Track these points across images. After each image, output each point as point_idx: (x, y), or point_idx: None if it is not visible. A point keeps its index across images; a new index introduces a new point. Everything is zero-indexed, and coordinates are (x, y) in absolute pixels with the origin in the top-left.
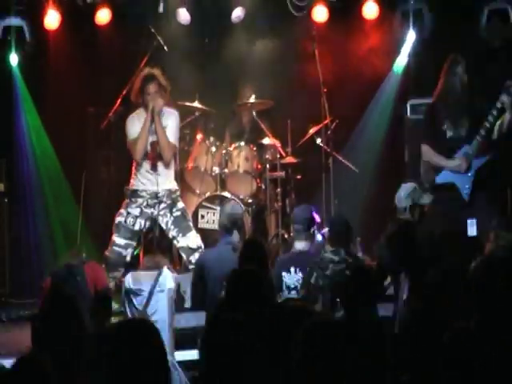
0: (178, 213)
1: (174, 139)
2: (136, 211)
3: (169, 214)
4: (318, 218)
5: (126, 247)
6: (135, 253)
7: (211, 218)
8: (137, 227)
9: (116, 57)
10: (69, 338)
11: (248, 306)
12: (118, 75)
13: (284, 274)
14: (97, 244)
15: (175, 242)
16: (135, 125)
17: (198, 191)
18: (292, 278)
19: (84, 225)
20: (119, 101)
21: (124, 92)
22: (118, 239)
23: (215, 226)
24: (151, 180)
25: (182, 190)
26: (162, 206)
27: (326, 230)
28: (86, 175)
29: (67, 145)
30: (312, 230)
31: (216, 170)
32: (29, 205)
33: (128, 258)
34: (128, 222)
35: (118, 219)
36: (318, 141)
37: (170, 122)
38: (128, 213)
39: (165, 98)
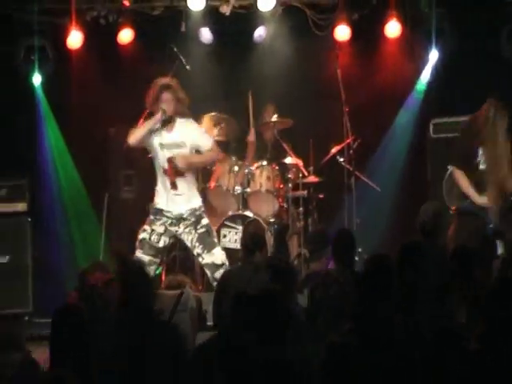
0: (203, 229)
1: (211, 140)
2: (160, 229)
3: (193, 231)
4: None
5: (149, 264)
6: (157, 272)
7: (233, 238)
8: (161, 244)
9: (138, 76)
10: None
11: (262, 330)
12: (140, 95)
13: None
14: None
15: (200, 259)
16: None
17: (220, 210)
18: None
19: (106, 244)
20: (141, 120)
21: (146, 112)
22: (141, 256)
23: (237, 246)
24: (174, 201)
25: (205, 208)
26: (187, 223)
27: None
28: (108, 194)
29: (90, 164)
30: (324, 250)
31: (238, 189)
32: (51, 224)
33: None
34: (152, 239)
35: (143, 235)
36: (341, 160)
37: (192, 128)
38: (152, 230)
39: (180, 109)
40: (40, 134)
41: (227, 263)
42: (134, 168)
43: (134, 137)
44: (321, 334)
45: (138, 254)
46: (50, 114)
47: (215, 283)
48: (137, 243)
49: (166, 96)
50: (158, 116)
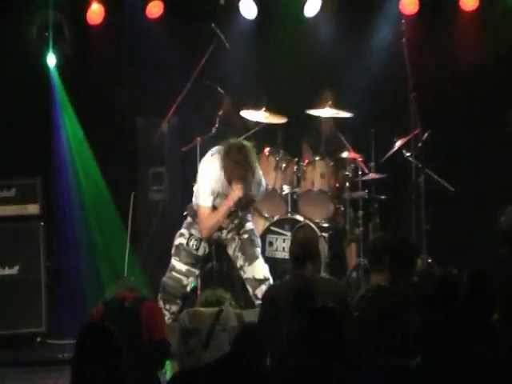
0: (246, 235)
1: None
2: (200, 233)
3: (236, 238)
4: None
5: (187, 275)
6: (192, 285)
7: (280, 245)
8: (201, 252)
9: (170, 56)
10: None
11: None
12: (172, 78)
13: None
14: (148, 277)
15: (241, 272)
16: (212, 179)
17: (265, 214)
18: None
19: (133, 253)
20: (174, 108)
21: (179, 98)
22: (178, 264)
23: (285, 255)
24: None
25: None
26: (230, 226)
27: None
28: (135, 195)
29: (113, 160)
30: (386, 260)
31: (286, 189)
32: (69, 229)
33: (188, 289)
34: (191, 244)
35: (179, 240)
36: (407, 154)
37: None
38: (191, 234)
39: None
40: (55, 125)
41: (271, 278)
42: (164, 164)
43: (210, 230)
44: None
45: (174, 261)
46: (67, 100)
47: (258, 301)
48: (173, 249)
49: (240, 185)
50: (231, 205)
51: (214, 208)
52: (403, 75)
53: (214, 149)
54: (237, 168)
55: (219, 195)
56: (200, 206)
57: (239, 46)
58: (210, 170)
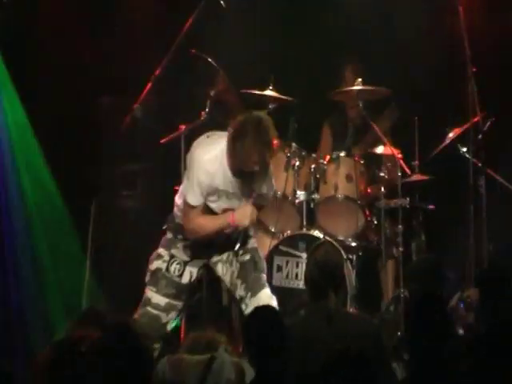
0: (247, 257)
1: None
2: (185, 254)
3: (234, 260)
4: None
5: (167, 310)
6: (173, 325)
7: (293, 271)
8: (185, 279)
9: (143, 19)
10: None
11: None
12: (147, 47)
13: None
14: (115, 309)
15: (243, 306)
16: (209, 172)
17: (272, 228)
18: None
19: (94, 278)
20: (149, 86)
21: (157, 72)
22: (155, 296)
23: (300, 284)
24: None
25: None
26: (226, 244)
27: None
28: (97, 203)
29: (68, 155)
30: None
31: (301, 195)
32: (7, 247)
33: (169, 328)
34: (172, 269)
35: (157, 264)
36: (463, 150)
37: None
38: (172, 256)
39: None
40: None
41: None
42: (137, 161)
43: (194, 236)
44: None
45: (150, 293)
46: (7, 78)
47: None
48: (147, 276)
49: (251, 208)
50: (234, 227)
51: (211, 211)
52: (457, 44)
53: (212, 132)
54: (254, 153)
55: (221, 195)
56: (186, 204)
57: (239, 5)
58: (205, 159)
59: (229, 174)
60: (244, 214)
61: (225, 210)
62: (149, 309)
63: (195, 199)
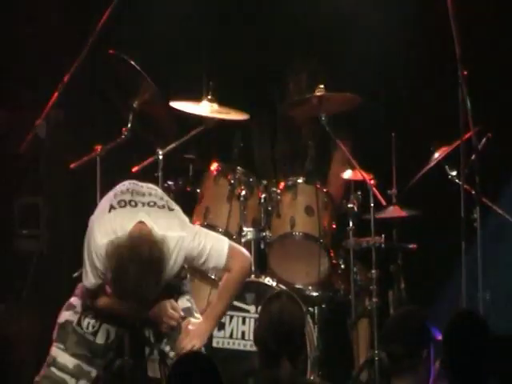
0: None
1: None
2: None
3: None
4: (437, 335)
5: (76, 375)
6: None
7: (238, 329)
8: (101, 339)
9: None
10: None
11: None
12: (55, 46)
13: None
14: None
15: (168, 361)
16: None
17: (212, 275)
18: None
19: None
20: (56, 96)
21: (66, 79)
22: (62, 355)
23: (247, 345)
24: None
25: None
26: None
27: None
28: None
29: None
30: (423, 355)
31: (248, 232)
32: None
33: None
34: (85, 325)
35: (66, 316)
36: (452, 174)
37: None
38: (86, 308)
39: None
40: None
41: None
42: (41, 192)
43: (103, 308)
44: None
45: (56, 351)
46: None
47: None
48: (55, 331)
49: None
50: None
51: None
52: (447, 44)
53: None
54: (126, 295)
55: None
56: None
57: None
58: (102, 243)
59: None
60: (159, 313)
61: None
62: (53, 370)
63: (88, 282)
